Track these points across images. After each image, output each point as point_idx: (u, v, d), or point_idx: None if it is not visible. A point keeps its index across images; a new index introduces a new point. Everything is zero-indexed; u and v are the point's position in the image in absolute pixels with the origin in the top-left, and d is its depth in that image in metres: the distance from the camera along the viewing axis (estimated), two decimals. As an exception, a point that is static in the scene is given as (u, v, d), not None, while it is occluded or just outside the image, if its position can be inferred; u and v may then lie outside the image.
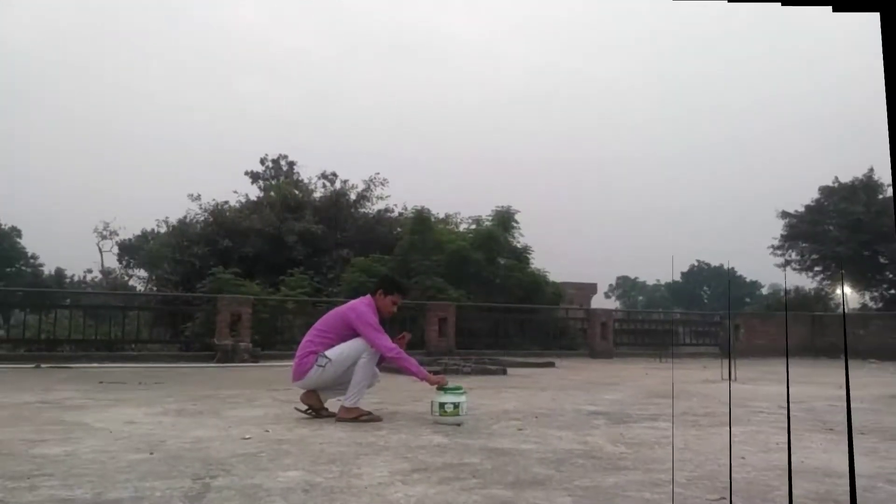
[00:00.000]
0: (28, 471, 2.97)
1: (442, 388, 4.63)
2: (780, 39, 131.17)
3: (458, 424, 4.44)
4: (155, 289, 21.54)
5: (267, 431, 4.13)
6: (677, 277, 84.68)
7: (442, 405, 4.50)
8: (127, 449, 3.51)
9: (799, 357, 17.78)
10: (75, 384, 7.24)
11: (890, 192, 28.55)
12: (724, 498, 2.70)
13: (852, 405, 5.87)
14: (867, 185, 28.79)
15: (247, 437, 3.93)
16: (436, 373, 8.58)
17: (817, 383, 9.38)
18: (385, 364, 4.97)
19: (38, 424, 4.36)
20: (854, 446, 4.03)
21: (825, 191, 29.83)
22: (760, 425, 4.90)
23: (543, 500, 2.61)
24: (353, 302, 5.00)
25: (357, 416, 4.61)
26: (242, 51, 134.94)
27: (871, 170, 29.17)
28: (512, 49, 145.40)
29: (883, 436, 4.51)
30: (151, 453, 3.39)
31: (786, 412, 5.69)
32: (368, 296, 5.00)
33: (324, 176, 24.44)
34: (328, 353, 4.70)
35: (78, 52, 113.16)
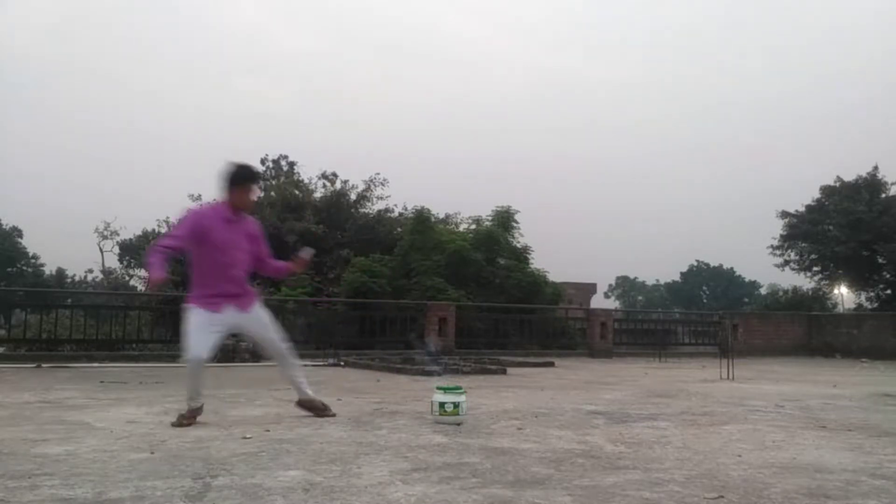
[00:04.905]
0: (29, 470, 2.98)
1: (442, 388, 4.65)
2: (780, 37, 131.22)
3: (458, 424, 4.46)
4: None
5: (267, 431, 4.15)
6: (676, 276, 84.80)
7: (442, 405, 4.52)
8: (128, 448, 3.52)
9: (795, 356, 17.83)
10: (76, 384, 7.24)
11: (893, 190, 28.54)
12: (722, 496, 2.72)
13: (843, 403, 5.94)
14: (870, 184, 28.70)
15: (247, 436, 3.94)
16: (435, 373, 8.57)
17: (812, 381, 9.46)
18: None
19: (39, 424, 4.37)
20: (842, 442, 4.10)
21: (826, 190, 29.79)
22: (757, 423, 4.93)
23: (543, 500, 2.63)
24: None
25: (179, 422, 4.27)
26: (242, 50, 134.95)
27: (876, 168, 29.15)
28: (512, 48, 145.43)
29: (869, 433, 4.61)
30: (152, 453, 3.40)
31: (783, 411, 5.73)
32: (222, 200, 4.43)
33: (324, 176, 24.44)
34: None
35: (78, 51, 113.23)
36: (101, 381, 7.56)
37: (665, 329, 20.43)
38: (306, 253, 4.74)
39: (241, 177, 4.36)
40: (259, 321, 4.59)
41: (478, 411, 5.13)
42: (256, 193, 4.45)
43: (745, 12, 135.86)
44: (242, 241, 4.43)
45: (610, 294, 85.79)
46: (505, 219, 19.83)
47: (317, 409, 4.78)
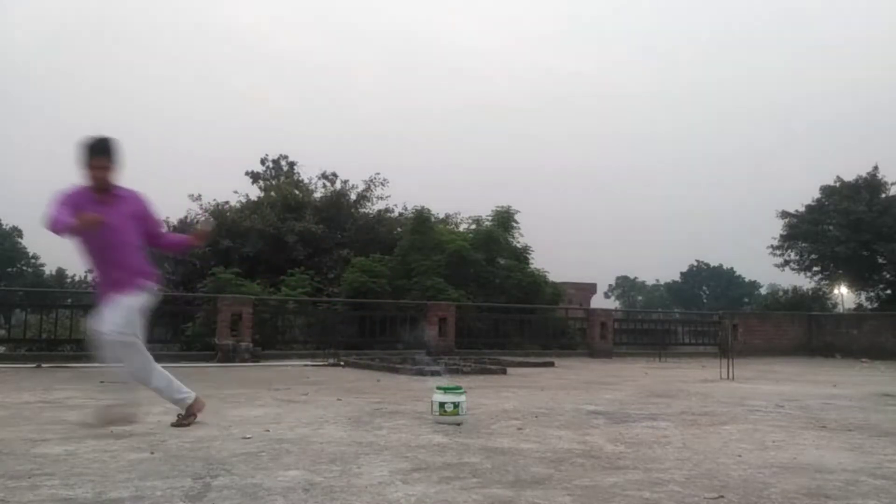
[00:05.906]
0: (29, 470, 2.98)
1: (442, 388, 4.65)
2: (777, 47, 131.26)
3: (458, 424, 4.46)
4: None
5: (267, 431, 4.15)
6: (676, 277, 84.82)
7: (442, 405, 4.52)
8: (128, 448, 3.52)
9: (795, 356, 17.83)
10: (76, 384, 7.24)
11: (893, 190, 28.54)
12: (722, 496, 2.72)
13: (843, 403, 5.92)
14: (870, 184, 28.70)
15: (247, 436, 3.94)
16: (434, 373, 8.55)
17: (812, 381, 9.46)
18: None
19: (39, 424, 4.38)
20: (842, 442, 4.09)
21: (826, 190, 29.79)
22: (757, 423, 4.93)
23: (543, 500, 2.63)
24: None
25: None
26: (243, 50, 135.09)
27: (876, 168, 29.14)
28: (513, 52, 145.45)
29: (870, 433, 4.61)
30: (152, 453, 3.40)
31: (783, 411, 5.73)
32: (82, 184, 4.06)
33: (324, 176, 24.42)
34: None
35: (78, 53, 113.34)
36: (101, 381, 7.55)
37: (665, 329, 20.43)
38: (206, 224, 4.45)
39: (85, 153, 4.00)
40: (113, 302, 4.04)
41: (478, 411, 5.13)
42: (110, 163, 4.02)
43: (747, 22, 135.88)
44: (120, 222, 4.04)
45: (610, 294, 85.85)
46: (505, 219, 19.81)
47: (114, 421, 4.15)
